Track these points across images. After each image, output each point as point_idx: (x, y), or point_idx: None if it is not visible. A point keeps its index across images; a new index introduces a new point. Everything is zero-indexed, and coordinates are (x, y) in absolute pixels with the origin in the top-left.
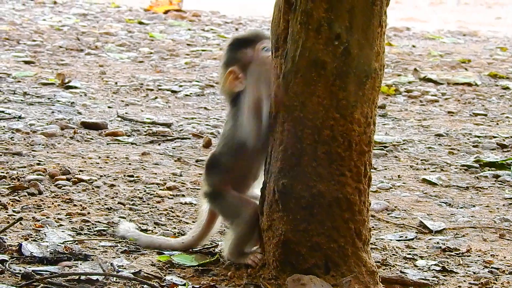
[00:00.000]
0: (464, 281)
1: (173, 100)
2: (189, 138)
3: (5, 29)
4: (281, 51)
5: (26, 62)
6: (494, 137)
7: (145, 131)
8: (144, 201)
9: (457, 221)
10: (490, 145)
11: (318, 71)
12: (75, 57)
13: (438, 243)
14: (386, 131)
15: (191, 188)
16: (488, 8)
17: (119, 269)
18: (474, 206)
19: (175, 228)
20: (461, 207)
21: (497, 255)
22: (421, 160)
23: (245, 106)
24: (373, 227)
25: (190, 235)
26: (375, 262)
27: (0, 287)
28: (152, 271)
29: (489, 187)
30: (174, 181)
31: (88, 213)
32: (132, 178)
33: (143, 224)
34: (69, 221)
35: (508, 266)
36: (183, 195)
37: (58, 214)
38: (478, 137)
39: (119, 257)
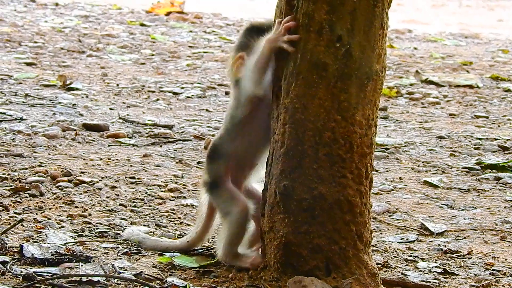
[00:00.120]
0: (465, 283)
1: (175, 102)
2: (191, 140)
3: (6, 30)
4: (282, 53)
5: (28, 64)
6: (496, 139)
7: (146, 133)
8: (146, 203)
9: (458, 223)
10: (491, 147)
11: (320, 73)
12: (76, 59)
13: (439, 245)
14: (388, 133)
15: (192, 190)
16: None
17: (120, 271)
18: (475, 208)
19: (176, 230)
20: (463, 209)
21: (498, 257)
22: (423, 162)
23: (251, 59)
24: (374, 229)
25: (194, 232)
26: (376, 264)
27: None
28: (153, 272)
29: (490, 189)
30: (176, 183)
31: (90, 214)
32: (133, 180)
33: (144, 225)
34: (71, 223)
35: (509, 268)
36: (185, 197)
37: (60, 215)
38: (480, 139)
39: (120, 258)
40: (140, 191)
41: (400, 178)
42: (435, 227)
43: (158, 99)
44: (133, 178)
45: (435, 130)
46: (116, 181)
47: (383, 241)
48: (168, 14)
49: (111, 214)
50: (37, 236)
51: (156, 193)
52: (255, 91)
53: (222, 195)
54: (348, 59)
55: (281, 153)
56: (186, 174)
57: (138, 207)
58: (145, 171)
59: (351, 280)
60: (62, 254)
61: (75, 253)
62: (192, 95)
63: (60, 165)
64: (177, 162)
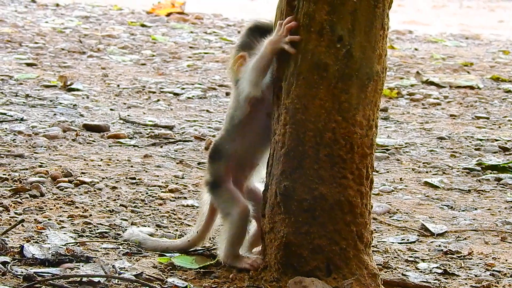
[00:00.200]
0: (466, 284)
1: (175, 103)
2: (191, 141)
3: (7, 31)
4: (283, 53)
5: (28, 65)
6: (496, 140)
7: (147, 134)
8: (146, 204)
9: (459, 224)
10: (492, 148)
11: (320, 74)
12: (77, 59)
13: (439, 246)
14: (388, 134)
15: (193, 191)
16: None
17: (121, 271)
18: (476, 209)
19: (177, 230)
20: (463, 210)
21: (498, 258)
22: (423, 163)
23: (252, 60)
24: (375, 229)
25: (195, 231)
26: (377, 264)
27: None
28: (153, 273)
29: (491, 190)
30: (176, 183)
31: (90, 215)
32: (134, 181)
33: (144, 226)
34: (71, 223)
35: (509, 269)
36: (185, 198)
37: (60, 216)
38: (480, 140)
39: (121, 259)
40: (140, 192)
41: (400, 179)
42: (435, 228)
43: (158, 100)
44: (134, 178)
45: (436, 131)
46: (116, 181)
47: (384, 241)
48: (168, 15)
49: (112, 214)
50: (38, 237)
51: (156, 193)
52: (253, 92)
53: (223, 195)
54: (349, 60)
55: (282, 153)
56: (187, 174)
57: (138, 208)
58: (146, 171)
59: (351, 281)
60: (62, 255)
61: (75, 253)
62: (193, 96)
63: (60, 166)
64: (177, 163)
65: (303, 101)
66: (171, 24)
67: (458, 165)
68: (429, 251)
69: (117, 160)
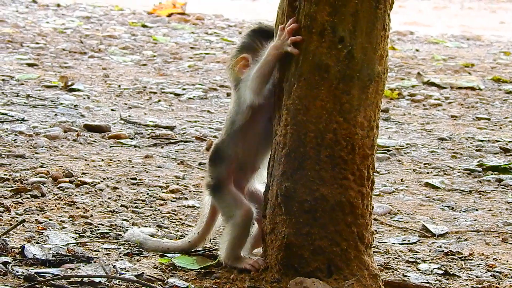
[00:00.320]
0: (467, 284)
1: (176, 103)
2: (192, 141)
3: (8, 31)
4: (284, 55)
5: (29, 65)
6: (497, 141)
7: (148, 134)
8: (147, 204)
9: (459, 225)
10: (493, 149)
11: (322, 75)
12: (78, 60)
13: (440, 246)
14: (389, 135)
15: (194, 191)
16: (491, 12)
17: (122, 272)
18: (477, 210)
19: (177, 231)
20: (464, 211)
21: (499, 259)
22: (424, 164)
23: (254, 67)
24: (375, 230)
25: (196, 232)
26: (378, 265)
27: None
28: (154, 273)
29: (492, 191)
30: (177, 184)
31: (91, 215)
32: (135, 181)
33: (145, 226)
34: (72, 224)
35: (510, 270)
36: (186, 198)
37: (61, 216)
38: (481, 141)
39: (122, 259)
40: (141, 192)
41: (401, 179)
42: (436, 229)
43: (159, 100)
44: (135, 179)
45: (437, 132)
46: (117, 182)
47: (385, 242)
48: (170, 15)
49: (113, 215)
50: (39, 237)
51: (157, 194)
52: (255, 100)
53: (225, 198)
54: (350, 61)
55: (283, 154)
56: (188, 175)
57: (139, 208)
58: (147, 172)
59: (352, 282)
60: (63, 255)
61: (76, 254)
62: (194, 96)
63: (61, 166)
64: (178, 163)
65: (304, 102)
66: (172, 24)
67: (459, 166)
68: (430, 252)
69: (118, 160)
